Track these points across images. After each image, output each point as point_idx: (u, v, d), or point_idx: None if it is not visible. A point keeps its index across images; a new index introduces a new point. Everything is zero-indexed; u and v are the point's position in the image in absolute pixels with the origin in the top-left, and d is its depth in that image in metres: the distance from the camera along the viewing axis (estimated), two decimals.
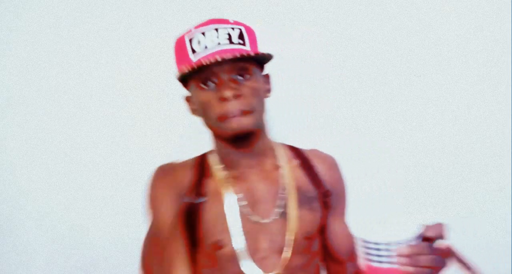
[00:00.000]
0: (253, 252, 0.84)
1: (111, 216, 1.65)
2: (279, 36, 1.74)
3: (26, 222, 1.58)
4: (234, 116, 0.82)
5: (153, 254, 0.92)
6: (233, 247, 0.84)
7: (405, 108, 1.59)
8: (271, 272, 0.84)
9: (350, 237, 0.88)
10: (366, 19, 1.61)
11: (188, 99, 0.94)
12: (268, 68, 0.96)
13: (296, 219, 0.86)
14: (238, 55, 0.80)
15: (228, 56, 0.79)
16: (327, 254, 0.96)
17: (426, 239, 0.65)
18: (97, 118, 1.65)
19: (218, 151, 0.94)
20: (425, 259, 0.61)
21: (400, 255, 0.61)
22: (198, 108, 0.89)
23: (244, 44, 0.85)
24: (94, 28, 1.65)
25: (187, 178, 0.91)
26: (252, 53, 0.83)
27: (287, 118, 1.75)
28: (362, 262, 0.64)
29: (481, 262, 1.61)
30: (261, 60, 0.89)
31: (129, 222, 1.67)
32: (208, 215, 0.86)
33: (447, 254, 0.66)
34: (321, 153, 1.00)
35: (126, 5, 1.68)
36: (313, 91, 1.66)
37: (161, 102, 1.70)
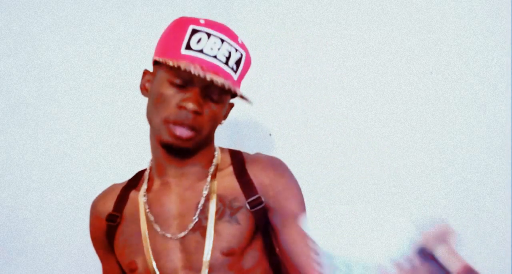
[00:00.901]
0: (169, 272, 0.78)
1: None
2: (279, 35, 1.74)
3: (26, 222, 1.58)
4: (181, 126, 0.78)
5: None
6: (146, 269, 0.78)
7: (405, 108, 1.60)
8: None
9: (305, 244, 0.78)
10: (366, 18, 1.61)
11: (146, 74, 0.90)
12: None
13: (215, 233, 0.78)
14: (226, 86, 0.75)
15: (218, 81, 0.74)
16: (285, 269, 0.87)
17: (426, 253, 0.46)
18: (97, 118, 1.65)
19: (152, 156, 0.90)
20: None
21: None
22: (153, 96, 0.85)
23: (236, 71, 0.81)
24: (94, 28, 1.65)
25: (110, 202, 0.91)
26: (237, 91, 0.78)
27: (288, 117, 1.75)
28: None
29: (481, 262, 1.61)
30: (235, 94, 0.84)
31: None
32: (123, 236, 0.84)
33: None
34: (261, 155, 0.92)
35: (126, 5, 1.69)
36: (313, 91, 1.66)
37: None
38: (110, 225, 0.85)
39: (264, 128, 1.87)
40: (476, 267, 1.69)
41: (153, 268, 0.77)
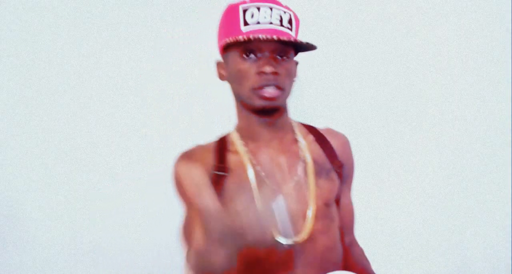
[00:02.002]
0: (277, 219, 0.90)
1: (111, 216, 1.65)
2: None
3: (26, 222, 1.58)
4: (268, 88, 0.89)
5: (186, 233, 0.95)
6: (258, 215, 0.90)
7: (405, 109, 1.59)
8: (297, 237, 0.90)
9: (352, 211, 1.04)
10: (366, 18, 1.61)
11: (219, 64, 1.01)
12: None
13: (316, 188, 0.93)
14: (292, 39, 0.87)
15: (284, 38, 0.86)
16: None
17: None
18: (97, 118, 1.65)
19: (241, 125, 1.00)
20: None
21: None
22: (232, 75, 0.95)
23: (291, 29, 0.92)
24: (94, 28, 1.65)
25: (209, 156, 0.97)
26: (301, 41, 0.89)
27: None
28: None
29: (481, 262, 1.61)
30: (297, 48, 0.95)
31: (129, 222, 1.67)
32: (233, 186, 0.93)
33: None
34: (335, 131, 1.07)
35: (126, 5, 1.68)
36: (313, 91, 1.66)
37: (161, 103, 1.70)
38: (218, 175, 0.94)
39: None
40: (476, 267, 1.69)
41: (266, 213, 0.90)
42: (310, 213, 0.91)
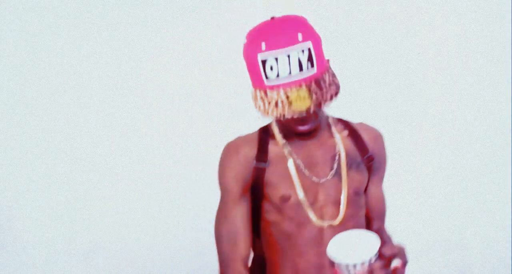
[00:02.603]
0: (313, 203, 1.03)
1: (111, 216, 1.66)
2: None
3: (26, 222, 1.58)
4: (302, 125, 0.97)
5: (220, 220, 1.06)
6: (297, 199, 1.02)
7: (405, 109, 1.59)
8: (328, 220, 1.02)
9: (382, 201, 1.12)
10: (366, 18, 1.61)
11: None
12: None
13: (348, 178, 1.03)
14: (311, 110, 0.92)
15: (305, 94, 0.91)
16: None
17: (383, 257, 0.76)
18: (97, 118, 1.65)
19: (280, 126, 1.08)
20: None
21: (359, 273, 0.74)
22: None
23: (312, 65, 0.93)
24: (94, 28, 1.65)
25: (251, 149, 1.06)
26: (319, 76, 0.94)
27: None
28: None
29: (481, 262, 1.61)
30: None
31: (128, 222, 1.67)
32: (273, 176, 1.04)
33: (397, 271, 0.76)
34: (368, 125, 1.15)
35: (126, 5, 1.68)
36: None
37: (161, 103, 1.70)
38: (259, 167, 1.05)
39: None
40: (476, 267, 1.68)
41: (303, 198, 1.01)
42: (343, 200, 1.02)
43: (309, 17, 1.70)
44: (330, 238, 0.94)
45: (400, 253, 0.79)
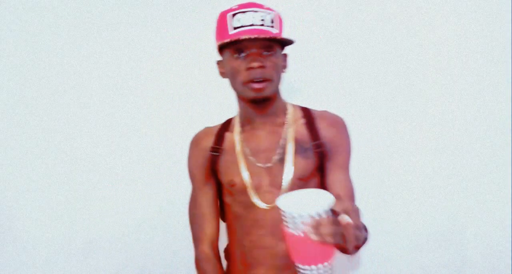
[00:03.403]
0: (257, 188, 1.10)
1: (111, 216, 1.66)
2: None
3: (26, 222, 1.58)
4: (256, 82, 1.04)
5: (190, 205, 1.21)
6: (242, 184, 1.10)
7: (405, 109, 1.60)
8: (271, 203, 1.09)
9: (345, 186, 1.12)
10: (366, 18, 1.61)
11: (219, 63, 1.16)
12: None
13: (291, 164, 1.09)
14: (267, 36, 1.01)
15: (261, 36, 1.00)
16: None
17: (334, 213, 0.77)
18: (96, 118, 1.65)
19: (240, 110, 1.18)
20: (326, 230, 0.73)
21: (306, 225, 0.74)
22: (228, 72, 1.10)
23: (273, 27, 1.05)
24: (94, 28, 1.65)
25: (210, 139, 1.19)
26: (278, 36, 1.03)
27: None
28: (284, 229, 0.77)
29: (481, 262, 1.61)
30: (283, 43, 1.09)
31: (128, 222, 1.67)
32: (225, 163, 1.14)
33: (346, 229, 0.75)
34: (329, 113, 1.18)
35: (126, 5, 1.68)
36: (312, 91, 1.66)
37: (161, 103, 1.70)
38: (214, 155, 1.16)
39: None
40: (476, 267, 1.69)
41: (248, 183, 1.09)
42: (284, 184, 1.08)
43: (309, 17, 1.71)
44: (273, 221, 1.07)
45: (355, 215, 0.79)
